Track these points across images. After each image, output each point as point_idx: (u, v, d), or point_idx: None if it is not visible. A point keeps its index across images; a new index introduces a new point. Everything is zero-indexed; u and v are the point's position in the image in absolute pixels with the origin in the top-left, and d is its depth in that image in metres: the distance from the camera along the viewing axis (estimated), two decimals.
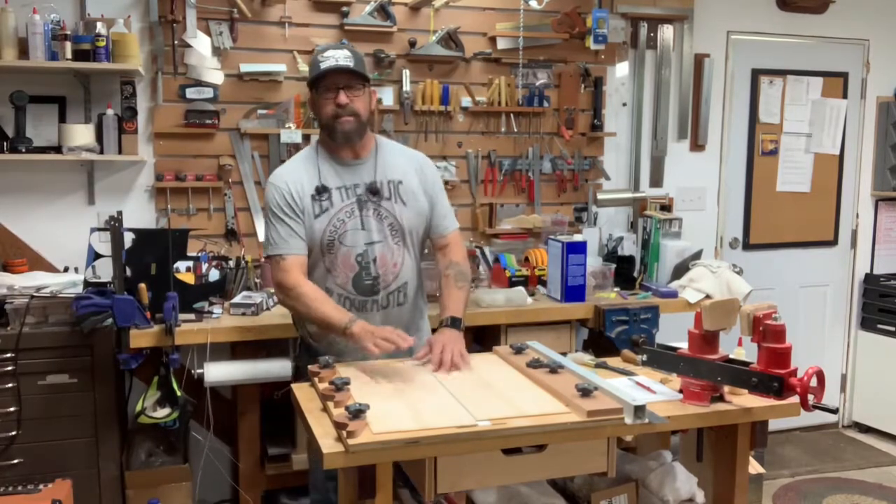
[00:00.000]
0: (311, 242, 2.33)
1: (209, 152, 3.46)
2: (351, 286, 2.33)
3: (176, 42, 3.36)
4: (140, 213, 3.39)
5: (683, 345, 2.08)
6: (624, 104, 4.13)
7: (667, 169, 4.23)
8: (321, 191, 2.31)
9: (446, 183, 3.72)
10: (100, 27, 3.12)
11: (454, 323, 2.31)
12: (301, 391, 2.10)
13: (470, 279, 2.51)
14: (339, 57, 2.24)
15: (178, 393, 2.90)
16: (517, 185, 3.89)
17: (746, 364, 1.98)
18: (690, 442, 2.33)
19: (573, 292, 3.30)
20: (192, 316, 2.94)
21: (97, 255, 3.00)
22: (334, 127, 2.28)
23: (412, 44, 3.63)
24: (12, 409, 2.80)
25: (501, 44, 3.79)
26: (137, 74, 3.27)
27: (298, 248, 2.30)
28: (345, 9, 3.55)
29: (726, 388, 2.03)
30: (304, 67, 3.51)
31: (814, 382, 1.86)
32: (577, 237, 3.34)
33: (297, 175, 2.35)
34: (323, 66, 2.25)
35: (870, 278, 4.70)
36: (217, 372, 2.90)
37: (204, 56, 3.38)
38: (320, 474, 2.33)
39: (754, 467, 2.81)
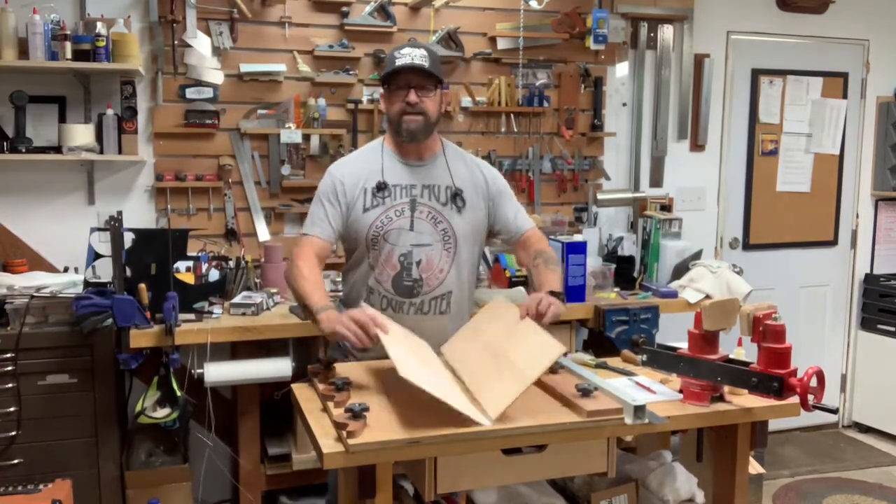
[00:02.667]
0: (357, 236, 2.31)
1: (209, 152, 3.46)
2: (390, 285, 2.29)
3: (176, 42, 3.36)
4: (140, 213, 3.39)
5: (683, 345, 2.08)
6: (624, 104, 4.13)
7: (667, 169, 4.23)
8: (381, 187, 2.30)
9: None
10: (100, 27, 3.12)
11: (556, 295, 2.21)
12: (301, 391, 2.10)
13: (559, 263, 2.43)
14: (414, 56, 2.23)
15: (178, 393, 2.90)
16: (517, 185, 3.89)
17: (746, 364, 1.98)
18: (690, 442, 2.33)
19: (573, 292, 3.30)
20: (192, 316, 2.94)
21: (97, 255, 3.00)
22: (400, 123, 2.27)
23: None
24: (12, 409, 2.80)
25: (501, 44, 3.80)
26: (137, 74, 3.27)
27: (323, 233, 2.31)
28: (345, 9, 3.55)
29: (726, 388, 2.03)
30: (304, 67, 3.51)
31: (814, 382, 1.86)
32: (577, 237, 3.34)
33: (356, 168, 2.36)
34: (398, 62, 2.23)
35: (870, 278, 4.70)
36: (217, 372, 2.90)
37: (204, 56, 3.38)
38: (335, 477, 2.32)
39: (754, 467, 2.81)
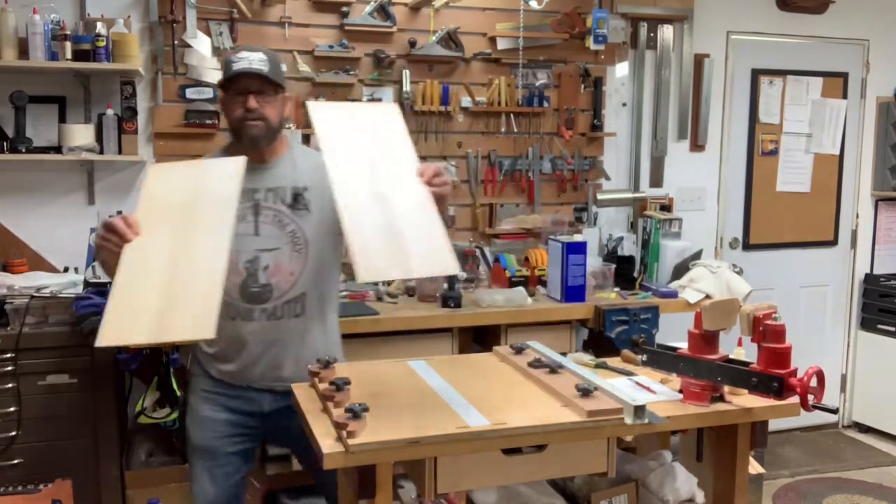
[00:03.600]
0: None
1: (209, 152, 3.46)
2: (237, 293, 2.16)
3: (176, 42, 3.36)
4: None
5: (683, 345, 2.08)
6: (624, 104, 4.14)
7: (667, 169, 4.23)
8: None
9: None
10: (100, 27, 3.13)
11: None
12: (301, 391, 2.10)
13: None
14: (253, 60, 2.12)
15: (178, 393, 2.90)
16: (517, 185, 3.90)
17: (746, 364, 1.98)
18: (690, 442, 2.33)
19: (573, 292, 3.30)
20: None
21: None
22: (241, 130, 2.16)
23: (412, 44, 3.63)
24: (12, 409, 2.80)
25: (501, 44, 3.80)
26: (137, 74, 3.27)
27: None
28: (345, 9, 3.55)
29: (726, 388, 2.03)
30: (304, 68, 3.51)
31: (814, 382, 1.86)
32: (577, 237, 3.34)
33: None
34: (235, 67, 2.12)
35: (870, 278, 4.70)
36: None
37: (204, 56, 3.38)
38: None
39: (754, 467, 2.81)
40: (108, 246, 1.89)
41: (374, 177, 1.89)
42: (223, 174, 1.99)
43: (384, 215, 1.81)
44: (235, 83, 2.14)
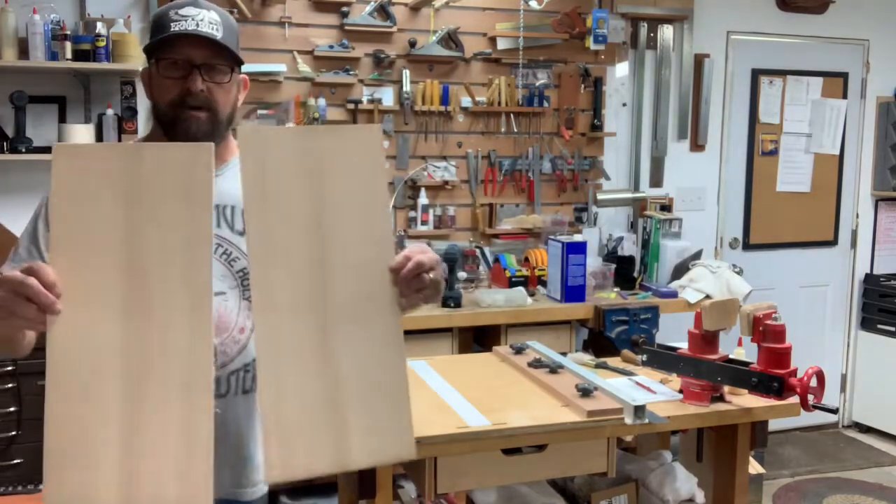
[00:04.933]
0: None
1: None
2: None
3: None
4: None
5: (683, 345, 2.08)
6: (624, 104, 4.14)
7: (667, 169, 4.23)
8: None
9: (446, 183, 3.73)
10: (100, 27, 3.13)
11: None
12: None
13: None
14: (201, 20, 1.43)
15: None
16: (517, 185, 3.89)
17: (746, 364, 1.98)
18: (690, 442, 2.33)
19: (573, 292, 3.30)
20: None
21: None
22: (176, 121, 1.44)
23: (412, 44, 3.63)
24: (12, 409, 2.80)
25: (501, 44, 3.80)
26: (137, 74, 3.27)
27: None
28: (345, 9, 3.55)
29: (726, 388, 2.03)
30: (304, 67, 3.51)
31: (814, 382, 1.86)
32: (577, 237, 3.35)
33: None
34: (175, 27, 1.41)
35: (870, 278, 4.70)
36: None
37: None
38: None
39: (754, 467, 2.81)
40: (16, 321, 1.15)
41: (319, 275, 1.18)
42: (180, 184, 1.17)
43: (321, 364, 1.16)
44: (173, 51, 1.43)
